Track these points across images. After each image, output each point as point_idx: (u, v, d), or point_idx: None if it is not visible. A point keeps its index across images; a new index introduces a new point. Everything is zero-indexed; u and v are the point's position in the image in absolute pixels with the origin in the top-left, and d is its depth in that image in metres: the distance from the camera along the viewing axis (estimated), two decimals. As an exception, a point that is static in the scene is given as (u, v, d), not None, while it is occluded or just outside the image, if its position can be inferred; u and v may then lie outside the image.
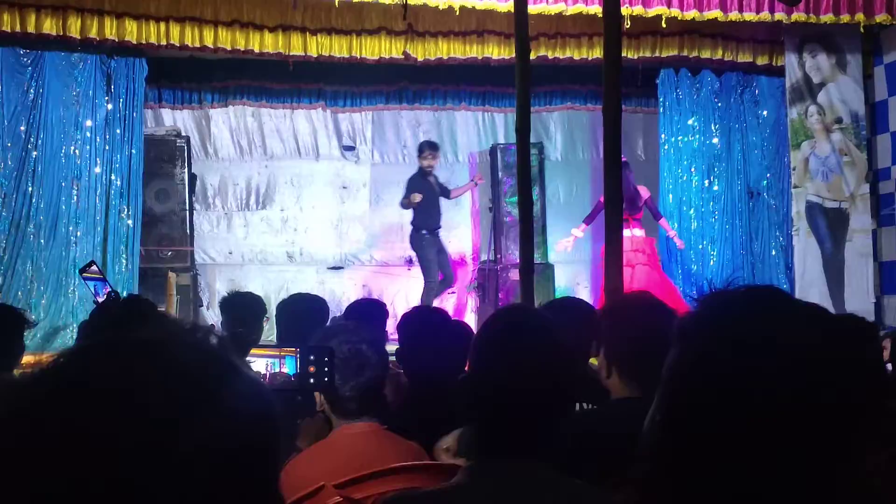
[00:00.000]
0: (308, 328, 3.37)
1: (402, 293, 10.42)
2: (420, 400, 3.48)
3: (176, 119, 10.62)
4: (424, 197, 9.50)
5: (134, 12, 8.75)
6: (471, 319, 9.69)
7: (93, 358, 0.86)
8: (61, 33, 8.60)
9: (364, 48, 9.41)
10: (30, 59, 9.04)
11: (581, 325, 3.11)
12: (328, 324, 4.63)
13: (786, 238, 10.51)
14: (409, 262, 10.71)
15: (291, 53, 9.28)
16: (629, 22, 8.75)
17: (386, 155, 11.15)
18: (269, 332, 6.07)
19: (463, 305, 10.68)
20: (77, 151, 9.14)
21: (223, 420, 0.83)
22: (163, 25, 8.84)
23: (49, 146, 9.02)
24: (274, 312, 5.19)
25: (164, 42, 8.89)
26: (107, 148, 9.24)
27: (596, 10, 8.43)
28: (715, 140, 10.60)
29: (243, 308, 4.89)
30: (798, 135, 10.19)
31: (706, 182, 10.54)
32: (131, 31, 8.75)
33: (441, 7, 8.62)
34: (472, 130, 11.36)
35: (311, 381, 2.65)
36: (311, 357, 2.65)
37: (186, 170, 9.54)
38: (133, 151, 9.29)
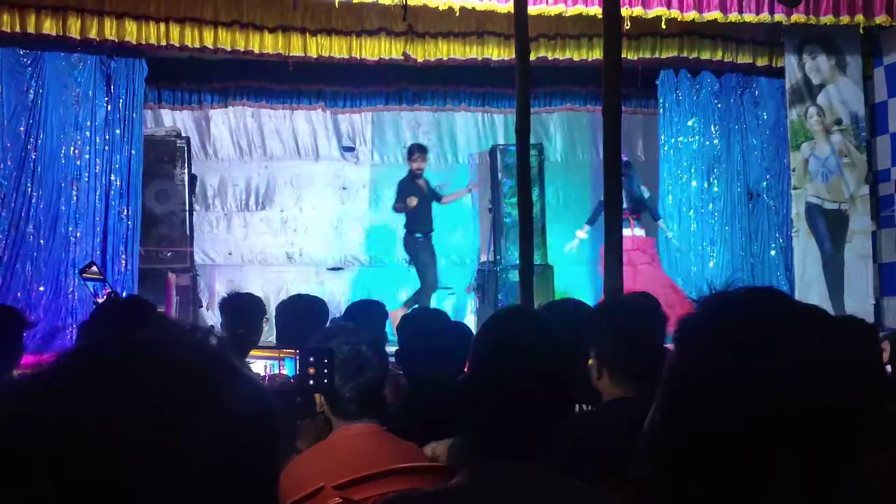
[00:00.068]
0: (307, 329, 3.38)
1: (403, 294, 10.42)
2: (420, 401, 3.48)
3: (176, 120, 10.62)
4: (418, 200, 9.51)
5: (134, 13, 8.75)
6: (470, 321, 9.68)
7: (93, 358, 0.86)
8: (61, 34, 8.60)
9: (364, 49, 9.41)
10: (30, 59, 9.03)
11: (580, 327, 3.11)
12: (328, 325, 4.64)
13: (785, 239, 10.51)
14: (410, 262, 10.70)
15: (291, 54, 9.28)
16: (629, 23, 8.75)
17: (385, 156, 11.15)
18: (269, 332, 6.07)
19: (462, 306, 10.68)
20: (77, 152, 9.13)
21: (223, 420, 0.83)
22: (162, 26, 8.84)
23: (49, 146, 9.02)
24: (273, 313, 5.19)
25: (163, 43, 8.89)
26: (106, 148, 9.23)
27: (596, 11, 8.43)
28: (715, 141, 10.60)
29: (243, 309, 4.89)
30: (798, 136, 10.20)
31: (706, 183, 10.54)
32: (131, 32, 8.75)
33: (441, 8, 8.63)
34: (472, 131, 11.36)
35: (311, 382, 2.65)
36: (311, 358, 2.65)
37: (186, 170, 9.53)
38: (133, 152, 9.29)
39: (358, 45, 9.39)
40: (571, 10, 8.76)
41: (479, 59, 9.63)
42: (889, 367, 4.55)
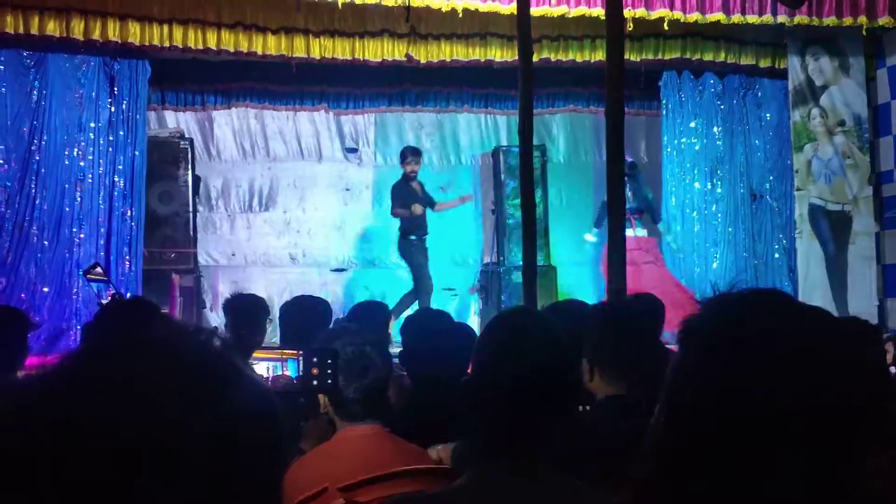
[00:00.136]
0: (311, 330, 3.38)
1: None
2: (423, 402, 3.48)
3: (179, 121, 10.64)
4: (412, 202, 9.49)
5: (137, 14, 8.75)
6: (473, 322, 9.68)
7: (96, 359, 0.87)
8: (65, 35, 8.61)
9: (367, 50, 9.41)
10: (33, 61, 9.04)
11: (582, 328, 3.12)
12: (331, 326, 4.65)
13: (789, 241, 10.50)
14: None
15: (294, 55, 9.28)
16: (632, 24, 8.75)
17: (388, 157, 11.15)
18: (272, 334, 6.08)
19: (466, 308, 10.68)
20: (80, 153, 9.14)
21: (226, 421, 0.83)
22: (166, 27, 8.84)
23: (52, 148, 9.03)
24: (277, 314, 5.20)
25: (167, 44, 8.89)
26: (110, 150, 9.24)
27: (598, 12, 8.43)
28: (718, 143, 10.59)
29: (246, 310, 4.89)
30: (801, 137, 10.19)
31: (709, 185, 10.53)
32: (134, 33, 8.75)
33: (444, 9, 8.63)
34: (475, 133, 11.37)
35: (315, 382, 2.65)
36: (315, 359, 2.65)
37: (190, 172, 9.54)
38: (136, 153, 9.29)
39: (361, 46, 9.39)
40: (574, 12, 8.76)
41: (482, 60, 9.63)
42: (893, 369, 4.54)
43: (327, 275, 10.88)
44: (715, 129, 10.58)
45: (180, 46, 8.96)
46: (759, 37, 10.07)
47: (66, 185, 9.07)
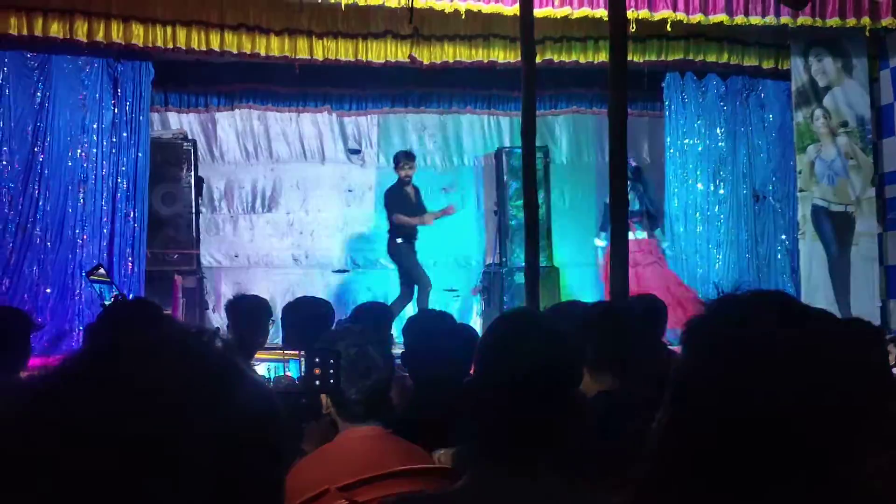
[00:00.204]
0: (313, 331, 3.38)
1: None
2: (425, 403, 3.48)
3: (182, 122, 10.64)
4: (406, 207, 9.48)
5: (140, 16, 8.75)
6: (476, 323, 9.68)
7: (99, 360, 0.87)
8: (68, 37, 8.61)
9: (370, 52, 9.41)
10: (37, 62, 9.06)
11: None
12: (334, 327, 4.65)
13: (791, 242, 10.49)
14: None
15: (297, 57, 9.29)
16: (635, 25, 8.74)
17: (391, 158, 11.12)
18: (275, 335, 6.09)
19: (468, 308, 10.68)
20: (84, 154, 9.16)
21: (227, 422, 0.83)
22: (169, 29, 8.84)
23: (56, 149, 9.04)
24: (279, 315, 5.20)
25: (170, 46, 8.90)
26: (113, 151, 9.26)
27: (601, 13, 8.42)
28: (720, 144, 10.59)
29: (249, 311, 4.89)
30: (804, 138, 10.18)
31: (712, 186, 10.53)
32: (138, 35, 8.76)
33: (447, 11, 8.62)
34: (478, 134, 11.36)
35: (318, 382, 2.65)
36: (317, 359, 2.65)
37: (192, 173, 9.55)
38: (139, 155, 9.31)
39: (364, 47, 9.40)
40: (577, 13, 8.76)
41: (485, 61, 9.63)
42: None
43: (330, 276, 10.88)
44: (718, 130, 10.58)
45: (184, 48, 8.96)
46: (762, 38, 10.06)
47: (70, 187, 9.08)
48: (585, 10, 8.74)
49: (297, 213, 10.99)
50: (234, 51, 9.09)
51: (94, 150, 9.18)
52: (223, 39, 9.01)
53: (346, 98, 10.85)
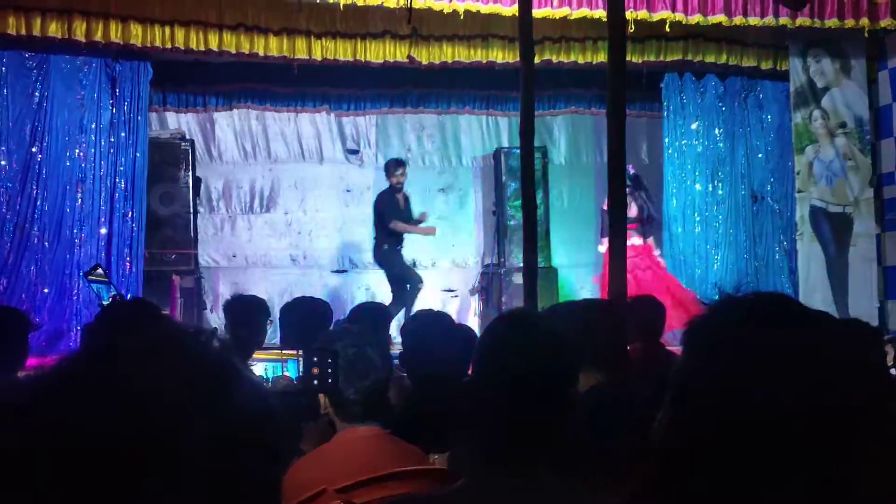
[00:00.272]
0: (311, 331, 3.38)
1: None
2: (424, 403, 3.48)
3: (180, 122, 10.64)
4: (395, 213, 9.50)
5: (139, 16, 8.75)
6: (474, 323, 9.68)
7: (97, 361, 0.87)
8: (66, 37, 8.61)
9: (368, 52, 9.41)
10: (35, 62, 9.04)
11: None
12: (332, 327, 4.65)
13: (789, 242, 10.50)
14: (413, 265, 10.71)
15: (296, 57, 9.28)
16: (633, 26, 8.76)
17: (390, 158, 11.14)
18: (273, 335, 6.08)
19: (466, 309, 10.68)
20: (82, 154, 9.14)
21: (224, 423, 0.83)
22: (167, 29, 8.84)
23: (54, 149, 9.03)
24: (277, 315, 5.20)
25: (168, 45, 8.90)
26: (111, 151, 9.24)
27: (600, 13, 8.43)
28: (719, 144, 10.59)
29: (247, 311, 4.88)
30: (802, 139, 10.19)
31: (710, 186, 10.53)
32: (136, 35, 8.75)
33: (445, 11, 8.63)
34: (476, 134, 11.36)
35: (316, 382, 2.65)
36: (316, 359, 2.65)
37: (191, 173, 9.54)
38: (137, 154, 9.29)
39: (362, 47, 9.40)
40: (576, 13, 8.76)
41: (484, 61, 9.63)
42: (894, 371, 4.54)
43: (328, 276, 10.88)
44: (716, 130, 10.58)
45: (182, 48, 8.96)
46: (761, 38, 10.07)
47: (67, 187, 9.07)
48: (584, 11, 8.75)
49: (295, 213, 11.00)
50: (233, 51, 9.09)
51: (93, 150, 9.17)
52: (221, 39, 9.01)
53: (345, 98, 10.85)
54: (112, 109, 9.30)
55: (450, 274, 11.05)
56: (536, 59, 5.73)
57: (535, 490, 1.80)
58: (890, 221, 10.03)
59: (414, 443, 2.78)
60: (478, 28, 9.39)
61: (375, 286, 10.66)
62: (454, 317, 6.10)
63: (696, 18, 9.05)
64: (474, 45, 9.56)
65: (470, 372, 2.08)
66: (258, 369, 5.62)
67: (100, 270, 7.77)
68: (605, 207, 5.26)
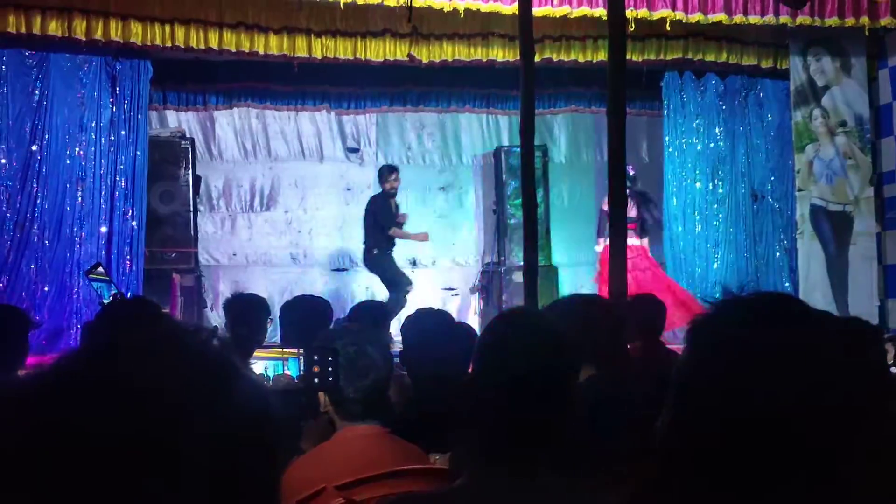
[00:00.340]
0: (312, 330, 3.38)
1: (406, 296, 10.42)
2: (424, 402, 3.48)
3: (180, 121, 10.64)
4: (391, 219, 9.50)
5: (139, 14, 8.75)
6: (474, 322, 9.68)
7: (97, 359, 0.87)
8: (66, 35, 8.60)
9: (369, 50, 9.41)
10: (35, 60, 9.04)
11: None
12: (332, 326, 4.65)
13: (790, 241, 10.49)
14: (413, 264, 10.72)
15: (296, 55, 9.28)
16: (634, 24, 8.75)
17: (390, 157, 11.15)
18: (273, 333, 6.08)
19: (466, 307, 10.69)
20: (82, 153, 9.14)
21: (225, 421, 0.83)
22: (167, 27, 8.84)
23: (54, 147, 9.02)
24: (277, 314, 5.20)
25: (168, 44, 8.89)
26: (111, 149, 9.24)
27: (600, 12, 8.43)
28: (719, 143, 10.59)
29: (247, 310, 4.88)
30: (802, 138, 10.18)
31: (710, 185, 10.53)
32: (136, 33, 8.75)
33: (446, 9, 8.63)
34: (477, 133, 11.37)
35: (316, 380, 2.65)
36: (316, 357, 2.65)
37: (191, 171, 9.54)
38: (137, 153, 9.29)
39: (363, 46, 9.39)
40: (576, 12, 8.76)
41: (484, 60, 9.63)
42: (894, 369, 4.54)
43: (328, 275, 10.88)
44: (716, 129, 10.58)
45: (182, 46, 8.96)
46: (761, 37, 10.07)
47: (68, 185, 9.06)
48: (584, 9, 8.75)
49: (295, 211, 11.00)
50: (233, 49, 9.09)
51: (93, 149, 9.16)
52: (222, 38, 9.00)
53: (345, 97, 10.84)
54: (112, 108, 9.29)
55: (450, 272, 11.06)
56: (537, 58, 5.72)
57: (535, 489, 1.80)
58: (890, 220, 10.03)
59: (414, 442, 2.78)
60: (478, 26, 9.39)
61: (375, 285, 10.65)
62: (454, 315, 6.08)
63: (696, 17, 9.05)
64: (474, 44, 9.55)
65: (470, 370, 2.07)
66: (259, 368, 5.62)
67: (101, 269, 7.77)
68: (605, 207, 5.26)
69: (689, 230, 10.45)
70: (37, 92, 9.02)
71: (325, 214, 11.02)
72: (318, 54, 9.30)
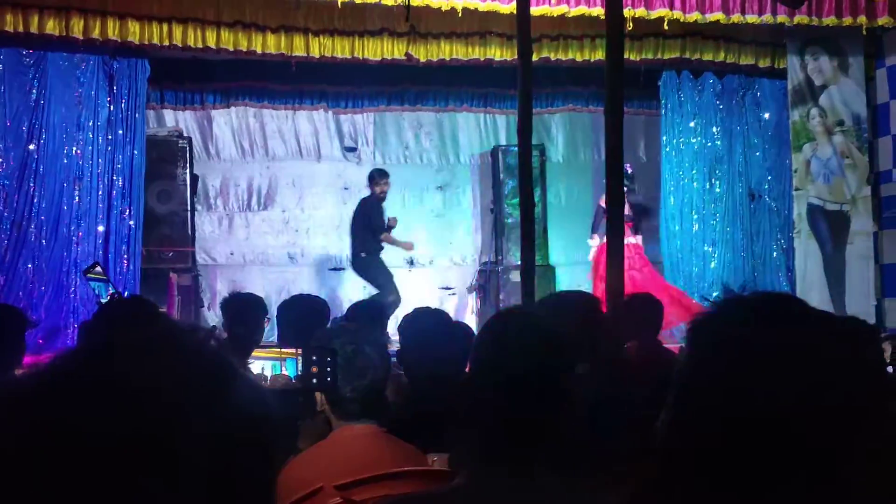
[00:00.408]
0: (309, 329, 3.37)
1: (404, 295, 10.42)
2: (421, 401, 3.48)
3: (178, 120, 10.63)
4: (382, 224, 9.56)
5: (136, 13, 8.74)
6: (471, 321, 9.68)
7: (94, 359, 0.86)
8: (64, 34, 8.60)
9: (366, 49, 9.41)
10: (32, 59, 9.03)
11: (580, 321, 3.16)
12: (329, 325, 4.64)
13: (787, 240, 10.51)
14: (411, 263, 10.71)
15: (294, 54, 9.27)
16: (631, 24, 8.75)
17: (387, 156, 11.15)
18: (270, 333, 6.08)
19: (464, 307, 10.68)
20: (79, 152, 9.13)
21: (220, 421, 0.83)
22: (165, 26, 8.84)
23: (51, 147, 9.02)
24: (275, 313, 5.19)
25: (166, 43, 8.89)
26: (109, 149, 9.24)
27: (598, 11, 8.43)
28: (717, 142, 10.59)
29: (244, 309, 4.88)
30: (799, 137, 10.19)
31: (708, 184, 10.54)
32: (134, 32, 8.75)
33: (443, 8, 8.63)
34: (474, 132, 11.37)
35: (314, 380, 2.64)
36: (315, 358, 2.65)
37: (188, 170, 9.54)
38: (135, 152, 9.29)
39: (360, 45, 9.39)
40: (574, 11, 8.76)
41: (482, 59, 9.63)
42: (891, 368, 4.54)
43: (325, 274, 10.87)
44: (714, 128, 10.59)
45: (180, 45, 8.95)
46: (759, 36, 10.08)
47: (65, 184, 9.06)
48: (582, 9, 8.75)
49: (292, 210, 10.99)
50: (231, 48, 9.08)
51: (90, 148, 9.16)
52: (219, 37, 9.00)
53: (343, 96, 10.85)
54: (109, 107, 9.29)
55: (447, 271, 11.06)
56: (534, 57, 5.72)
57: (533, 489, 1.80)
58: (887, 219, 10.04)
59: (411, 441, 2.78)
60: (476, 25, 9.39)
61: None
62: (452, 314, 6.09)
63: (693, 16, 9.06)
64: (472, 43, 9.55)
65: (467, 369, 2.07)
66: (256, 367, 5.61)
67: (98, 268, 7.77)
68: (603, 204, 5.26)
69: (686, 229, 10.46)
70: (34, 91, 9.01)
71: (323, 214, 11.01)
72: (315, 53, 9.30)
